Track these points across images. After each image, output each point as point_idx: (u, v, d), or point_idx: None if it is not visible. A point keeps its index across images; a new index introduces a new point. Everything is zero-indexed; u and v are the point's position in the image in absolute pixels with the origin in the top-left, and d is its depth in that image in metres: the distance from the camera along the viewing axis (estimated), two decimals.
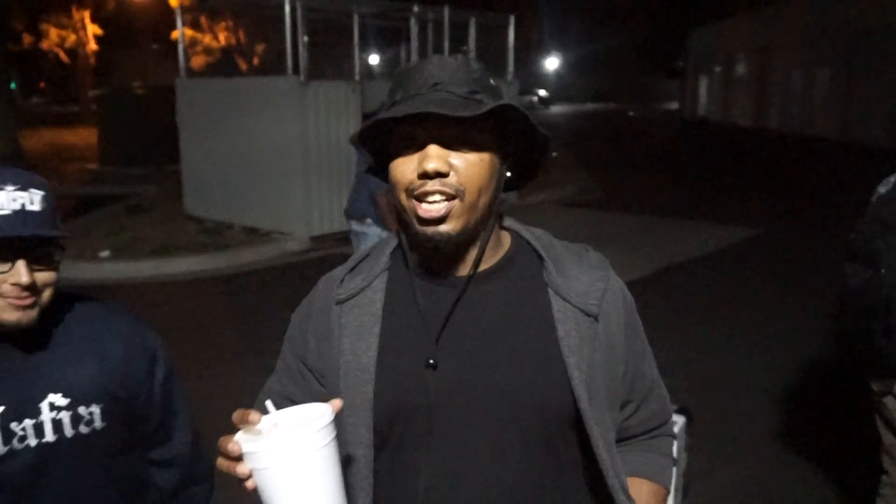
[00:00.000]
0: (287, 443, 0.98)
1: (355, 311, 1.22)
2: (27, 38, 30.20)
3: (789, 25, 29.24)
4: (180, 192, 11.00)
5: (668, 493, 1.40)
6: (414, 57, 10.84)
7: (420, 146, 1.11)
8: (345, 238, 5.67)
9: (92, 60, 31.57)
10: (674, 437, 1.45)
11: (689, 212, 11.33)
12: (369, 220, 5.06)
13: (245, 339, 5.74)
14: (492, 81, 1.17)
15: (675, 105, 48.93)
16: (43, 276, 1.38)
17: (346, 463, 1.18)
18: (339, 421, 1.18)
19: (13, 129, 18.00)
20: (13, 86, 32.77)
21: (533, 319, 1.21)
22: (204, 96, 10.44)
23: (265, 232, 9.50)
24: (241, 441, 1.00)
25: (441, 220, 1.10)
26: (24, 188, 1.38)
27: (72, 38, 30.88)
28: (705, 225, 10.37)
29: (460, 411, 1.16)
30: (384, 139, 1.17)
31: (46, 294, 1.40)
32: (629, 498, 1.23)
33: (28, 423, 1.41)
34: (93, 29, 30.88)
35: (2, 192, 1.35)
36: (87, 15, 30.43)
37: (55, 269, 1.40)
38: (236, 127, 9.64)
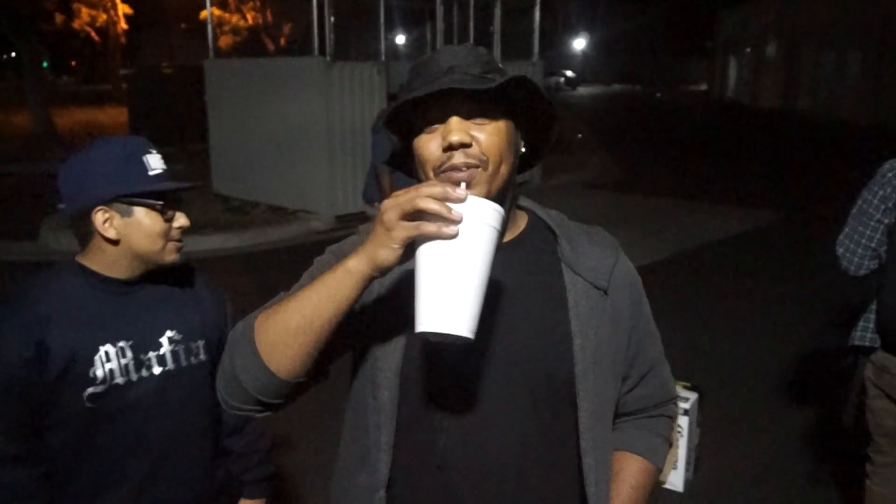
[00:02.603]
0: (493, 209, 1.02)
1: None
2: (59, 18, 30.45)
3: (820, 7, 28.70)
4: (208, 171, 11.16)
5: (658, 471, 1.45)
6: (439, 38, 10.85)
7: (442, 121, 1.19)
8: (367, 218, 5.79)
9: (122, 40, 31.80)
10: (672, 418, 1.49)
11: (712, 195, 11.28)
12: (377, 205, 5.17)
13: None
14: (499, 64, 1.26)
15: (703, 87, 48.28)
16: (184, 222, 1.71)
17: (373, 408, 1.26)
18: (370, 363, 1.27)
19: (46, 108, 18.31)
20: (45, 65, 33.18)
21: (546, 290, 1.29)
22: (231, 76, 10.57)
23: (291, 211, 9.63)
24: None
25: (467, 185, 1.17)
26: (156, 153, 1.69)
27: (102, 17, 31.10)
28: (728, 208, 10.34)
29: (476, 373, 1.24)
30: (407, 124, 1.25)
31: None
32: (601, 479, 1.30)
33: (152, 353, 1.70)
34: (123, 8, 31.08)
35: (154, 156, 1.66)
36: None
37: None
38: (263, 107, 9.76)
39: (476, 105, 1.18)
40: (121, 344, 1.65)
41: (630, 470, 1.40)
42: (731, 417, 4.27)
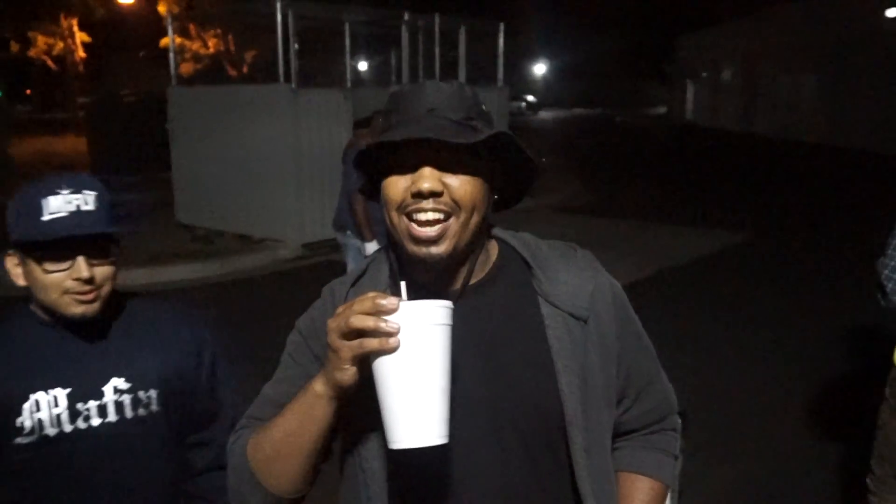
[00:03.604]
0: (434, 307, 1.00)
1: None
2: (14, 46, 30.02)
3: (775, 32, 29.48)
4: (172, 200, 10.97)
5: (667, 488, 1.40)
6: (405, 63, 10.87)
7: (414, 168, 1.13)
8: (337, 245, 5.72)
9: (80, 68, 31.42)
10: (676, 430, 1.45)
11: (678, 217, 11.41)
12: (349, 232, 5.12)
13: (238, 346, 5.70)
14: (483, 107, 1.21)
15: (662, 110, 49.14)
16: (102, 271, 1.52)
17: (363, 481, 1.22)
18: (355, 436, 1.23)
19: (2, 137, 17.92)
20: (0, 93, 32.60)
21: (524, 328, 1.24)
22: (195, 104, 10.44)
23: (257, 239, 9.50)
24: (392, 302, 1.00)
25: (435, 240, 1.13)
26: (77, 191, 1.50)
27: (59, 45, 30.73)
28: (694, 230, 10.45)
29: (461, 423, 1.18)
30: (379, 161, 1.20)
31: (106, 287, 1.54)
32: None
33: (92, 403, 1.55)
34: (81, 36, 30.74)
35: (58, 197, 1.48)
36: (75, 23, 30.30)
37: (113, 263, 1.54)
38: (228, 134, 9.64)
39: (452, 154, 1.12)
40: (55, 392, 1.52)
41: (637, 492, 1.35)
42: (714, 441, 4.23)
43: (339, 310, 1.02)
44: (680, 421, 1.46)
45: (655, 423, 1.41)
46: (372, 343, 0.99)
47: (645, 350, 1.37)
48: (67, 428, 1.53)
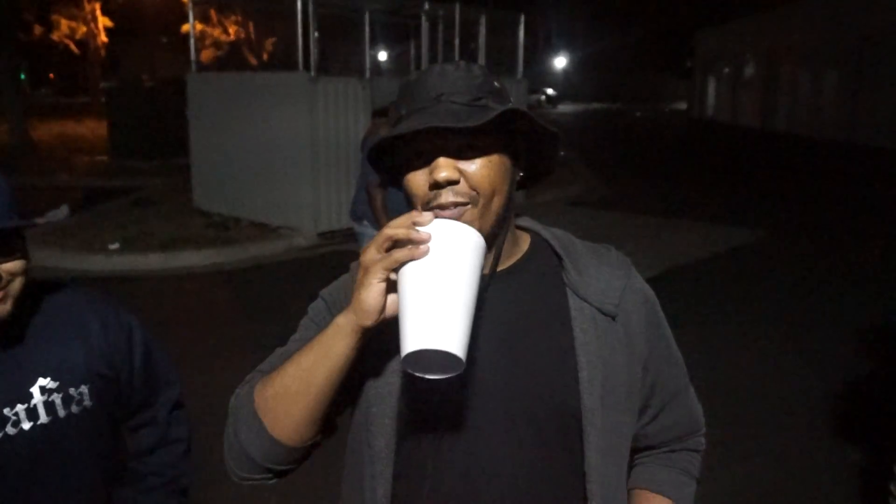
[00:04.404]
0: (466, 229, 1.03)
1: None
2: (38, 30, 30.24)
3: (797, 28, 29.15)
4: (189, 186, 11.04)
5: None
6: (424, 54, 10.85)
7: (429, 159, 1.12)
8: (353, 235, 5.72)
9: (102, 52, 31.61)
10: (698, 452, 1.39)
11: (695, 213, 11.33)
12: (366, 222, 5.11)
13: (251, 334, 5.78)
14: (495, 83, 1.18)
15: (682, 105, 48.77)
16: (8, 268, 1.37)
17: (368, 458, 1.20)
18: (364, 412, 1.21)
19: (22, 120, 18.09)
20: (22, 76, 32.87)
21: (550, 318, 1.21)
22: (214, 90, 10.48)
23: (273, 227, 9.53)
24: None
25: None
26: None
27: (82, 29, 30.92)
28: (710, 226, 10.37)
29: (478, 411, 1.17)
30: (396, 152, 1.19)
31: (16, 284, 1.40)
32: None
33: (20, 407, 1.45)
34: (103, 21, 30.91)
35: None
36: (97, 6, 30.49)
37: (21, 258, 1.40)
38: (246, 121, 9.67)
39: (465, 139, 1.11)
40: None
41: None
42: (717, 440, 4.21)
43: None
44: (704, 442, 1.41)
45: (678, 441, 1.37)
46: (401, 252, 1.00)
47: (674, 361, 1.33)
48: None
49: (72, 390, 1.50)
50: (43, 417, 1.46)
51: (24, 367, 1.47)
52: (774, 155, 21.07)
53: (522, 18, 12.30)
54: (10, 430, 1.44)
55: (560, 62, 62.74)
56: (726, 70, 38.07)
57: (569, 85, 60.84)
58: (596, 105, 54.82)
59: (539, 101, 47.71)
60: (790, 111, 29.87)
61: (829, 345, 5.77)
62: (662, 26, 48.79)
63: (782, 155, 20.98)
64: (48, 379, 1.48)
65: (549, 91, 51.67)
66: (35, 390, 1.47)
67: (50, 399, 1.47)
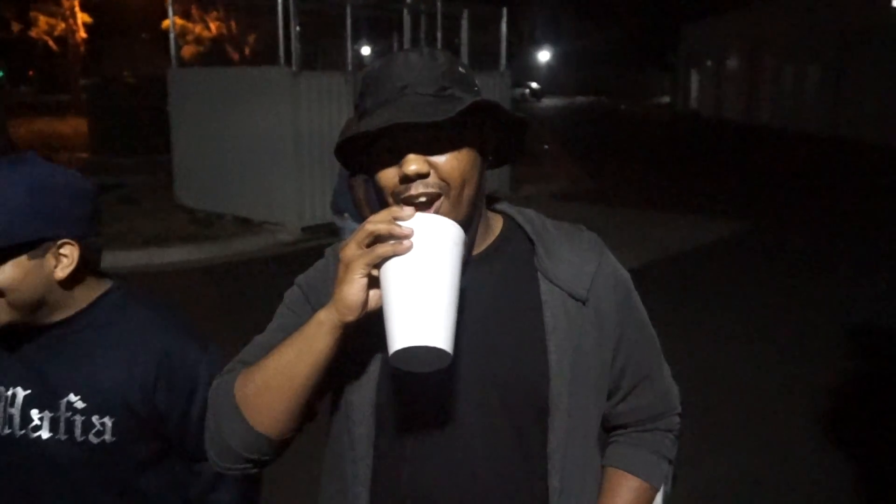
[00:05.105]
0: (448, 223, 1.03)
1: None
2: (16, 26, 29.93)
3: (780, 22, 29.32)
4: (171, 182, 10.96)
5: (655, 490, 1.35)
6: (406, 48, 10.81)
7: (398, 154, 1.10)
8: (336, 229, 5.70)
9: (82, 49, 31.31)
10: (671, 431, 1.37)
11: (680, 205, 11.38)
12: (347, 216, 5.09)
13: (236, 330, 5.68)
14: (461, 69, 1.15)
15: (666, 99, 48.96)
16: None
17: (349, 443, 1.20)
18: (344, 399, 1.21)
19: (2, 118, 17.88)
20: (1, 74, 32.52)
21: (522, 304, 1.21)
22: (196, 86, 10.40)
23: (256, 222, 9.49)
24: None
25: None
26: None
27: (61, 26, 30.61)
28: (695, 218, 10.42)
29: (455, 397, 1.17)
30: (364, 148, 1.17)
31: (14, 295, 1.33)
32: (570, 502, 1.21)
33: (47, 414, 1.40)
34: (82, 17, 30.61)
35: None
36: (76, 3, 30.18)
37: (18, 264, 1.33)
38: (228, 117, 9.61)
39: (432, 132, 1.09)
40: (14, 390, 1.40)
41: (619, 490, 1.31)
42: (705, 428, 4.23)
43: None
44: (679, 422, 1.39)
45: (649, 421, 1.36)
46: (384, 247, 1.00)
47: (647, 342, 1.32)
48: (18, 432, 1.41)
49: (95, 418, 1.40)
50: (62, 433, 1.40)
51: (62, 375, 1.41)
52: (758, 148, 21.19)
53: (505, 12, 12.29)
54: (30, 433, 1.41)
55: (544, 56, 62.83)
56: (710, 64, 38.25)
57: (553, 79, 60.96)
58: (580, 99, 54.94)
59: (524, 95, 47.79)
60: (773, 105, 30.07)
61: (811, 336, 5.81)
62: (646, 21, 48.90)
63: (766, 148, 21.10)
64: (78, 397, 1.40)
65: (534, 85, 51.78)
66: (63, 403, 1.40)
67: (72, 418, 1.40)
